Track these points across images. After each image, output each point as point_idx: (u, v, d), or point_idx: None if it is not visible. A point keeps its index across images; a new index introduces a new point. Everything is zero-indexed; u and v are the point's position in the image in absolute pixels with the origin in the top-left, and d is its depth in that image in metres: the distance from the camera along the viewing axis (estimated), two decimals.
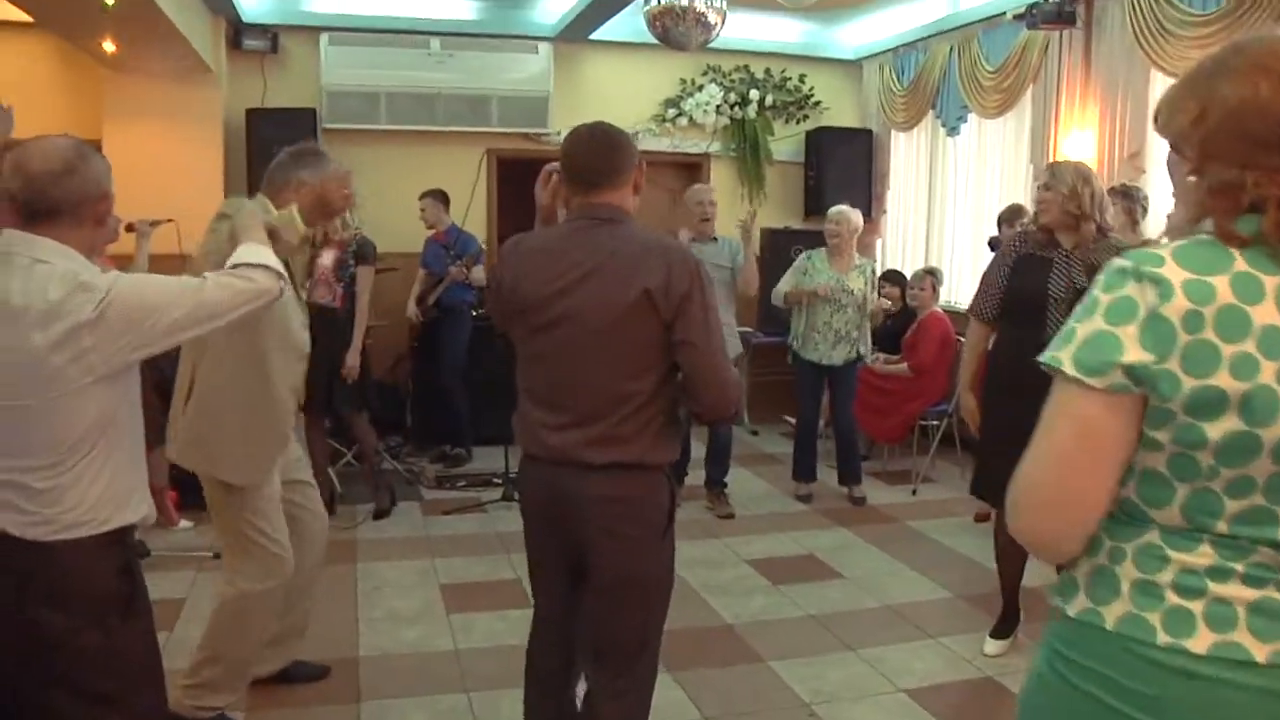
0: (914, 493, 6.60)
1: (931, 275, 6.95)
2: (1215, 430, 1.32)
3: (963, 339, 6.93)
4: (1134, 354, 1.32)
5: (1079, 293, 3.72)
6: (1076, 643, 1.45)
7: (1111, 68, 6.21)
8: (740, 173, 8.79)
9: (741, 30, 7.79)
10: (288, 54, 7.65)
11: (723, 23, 5.64)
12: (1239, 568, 1.36)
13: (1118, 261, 1.37)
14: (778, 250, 8.29)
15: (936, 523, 5.97)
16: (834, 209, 6.35)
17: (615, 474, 2.53)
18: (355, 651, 4.08)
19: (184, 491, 5.45)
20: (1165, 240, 1.47)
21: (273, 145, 7.10)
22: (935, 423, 6.81)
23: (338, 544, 5.22)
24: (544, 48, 7.98)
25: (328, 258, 5.68)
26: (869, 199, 8.68)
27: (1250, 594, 1.35)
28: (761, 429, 8.25)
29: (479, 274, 6.69)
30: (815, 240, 8.39)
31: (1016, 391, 3.91)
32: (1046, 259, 3.91)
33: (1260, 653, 1.34)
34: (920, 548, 5.53)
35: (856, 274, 6.25)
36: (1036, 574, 4.19)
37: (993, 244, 6.49)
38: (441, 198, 7.11)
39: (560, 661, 2.84)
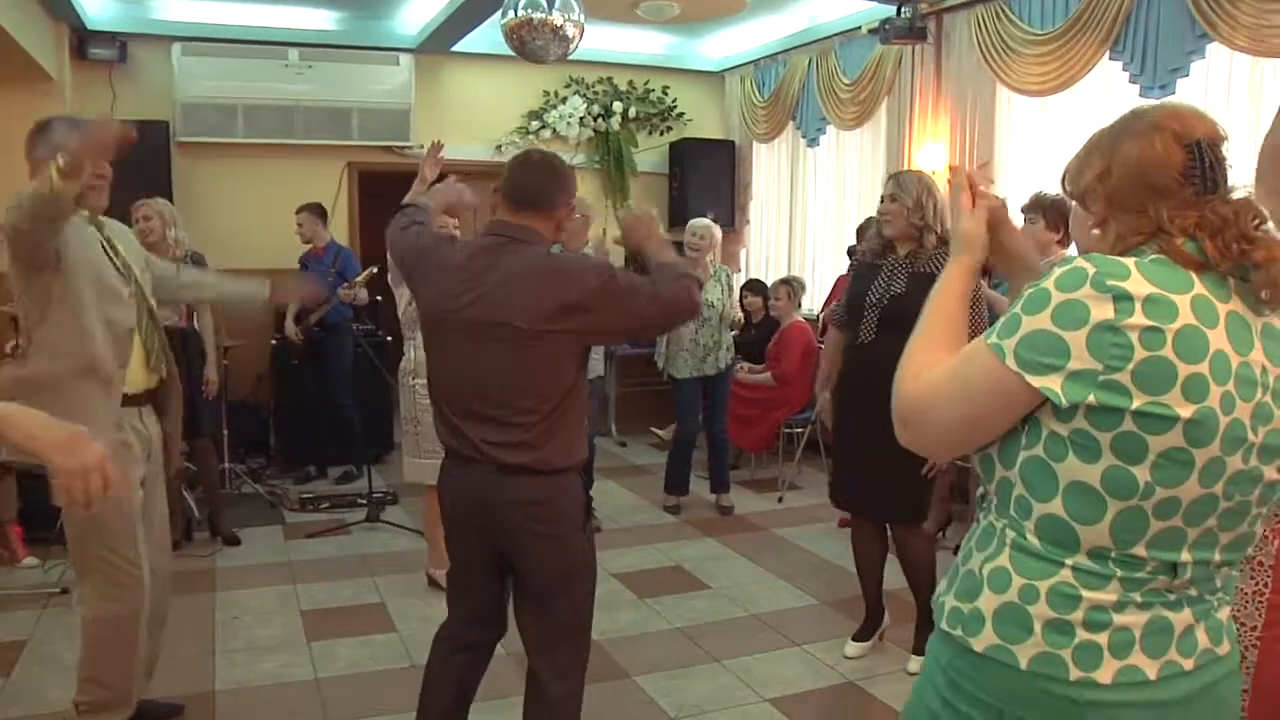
0: (780, 500, 6.71)
1: (788, 285, 7.07)
2: (1158, 446, 1.37)
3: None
4: (1079, 362, 1.38)
5: (896, 299, 3.85)
6: (981, 678, 1.51)
7: (960, 82, 6.44)
8: (605, 184, 8.82)
9: (604, 42, 7.84)
10: (138, 64, 7.39)
11: (580, 36, 5.64)
12: (1137, 597, 1.43)
13: (1080, 263, 1.41)
14: (641, 261, 8.33)
15: (802, 529, 6.08)
16: (698, 222, 6.38)
17: (530, 478, 2.62)
18: (211, 685, 3.93)
19: (30, 526, 5.25)
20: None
21: (122, 162, 7.00)
22: (800, 430, 6.94)
23: (196, 573, 5.11)
24: (405, 59, 7.89)
25: None
26: (732, 209, 8.82)
27: (1144, 617, 1.44)
28: (629, 440, 8.30)
29: (363, 295, 6.59)
30: (680, 250, 8.51)
31: (852, 399, 4.09)
32: (876, 266, 3.99)
33: (1152, 670, 1.43)
34: (787, 555, 5.62)
35: (713, 284, 6.29)
36: (897, 578, 4.29)
37: (852, 253, 6.66)
38: (319, 212, 6.97)
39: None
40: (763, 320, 7.29)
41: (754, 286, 7.58)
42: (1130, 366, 1.35)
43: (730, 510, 6.43)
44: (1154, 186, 1.47)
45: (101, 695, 3.25)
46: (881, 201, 4.04)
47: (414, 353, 4.71)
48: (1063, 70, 5.62)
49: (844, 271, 5.92)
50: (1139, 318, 1.35)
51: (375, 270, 6.27)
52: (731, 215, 8.82)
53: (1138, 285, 1.37)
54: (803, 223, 8.26)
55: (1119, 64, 5.41)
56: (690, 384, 6.30)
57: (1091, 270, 1.39)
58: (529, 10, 5.46)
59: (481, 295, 2.58)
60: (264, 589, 4.97)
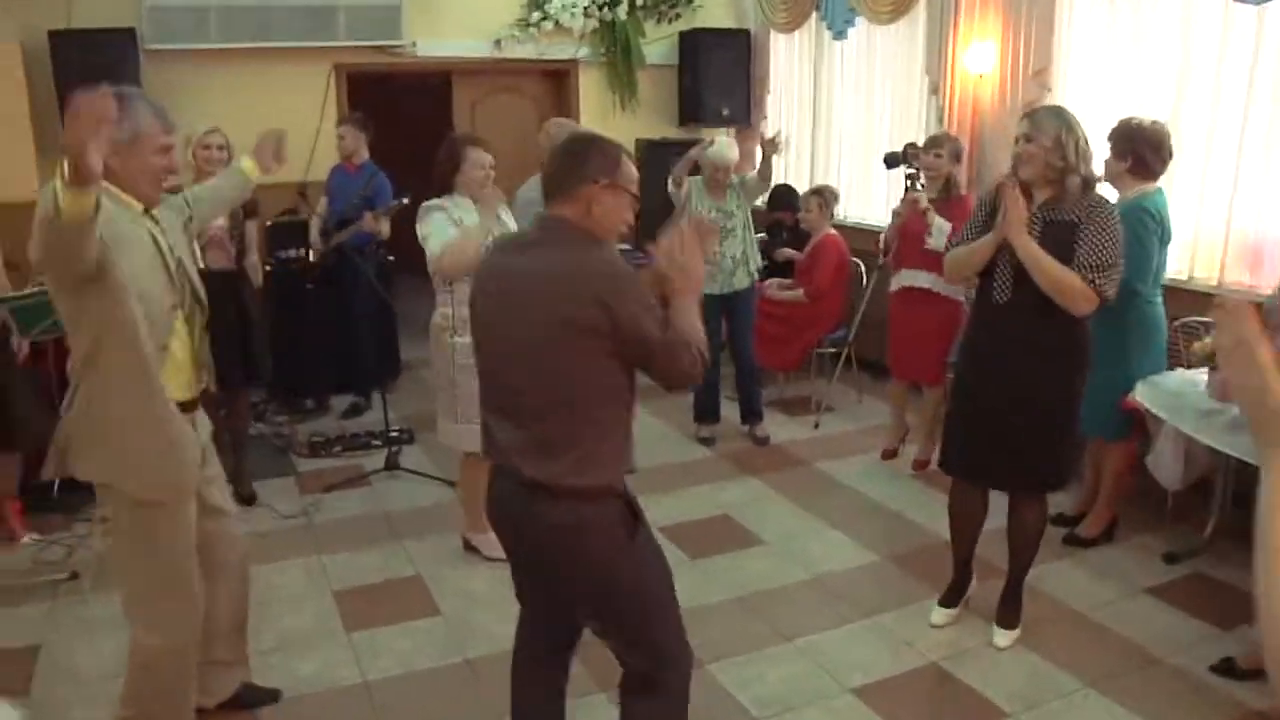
0: (816, 426, 6.38)
1: (820, 195, 6.58)
2: None
3: (859, 261, 6.70)
4: None
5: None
6: None
7: None
8: (611, 79, 8.22)
9: None
10: None
11: None
12: None
13: None
14: (655, 164, 7.77)
15: (844, 464, 5.77)
16: (718, 155, 5.88)
17: (551, 499, 2.42)
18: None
19: (31, 501, 4.84)
20: None
21: (85, 73, 6.35)
22: (833, 350, 6.57)
23: None
24: None
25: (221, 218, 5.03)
26: (748, 103, 8.28)
27: None
28: None
29: (386, 226, 6.07)
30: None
31: (984, 362, 3.70)
32: None
33: None
34: (835, 498, 5.31)
35: (731, 195, 5.90)
36: (988, 540, 4.01)
37: (890, 160, 6.15)
38: (363, 124, 6.46)
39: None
40: (793, 229, 6.82)
41: (782, 198, 7.10)
42: None
43: (766, 441, 6.11)
44: None
45: None
46: (1015, 142, 3.58)
47: (451, 308, 4.26)
48: None
49: (908, 192, 5.43)
50: None
51: (405, 201, 5.75)
52: (747, 110, 8.27)
53: None
54: (827, 123, 7.71)
55: None
56: (712, 301, 5.87)
57: None
58: None
59: (507, 289, 2.48)
60: (288, 563, 4.60)
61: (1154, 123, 4.42)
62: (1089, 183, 3.53)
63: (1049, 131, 3.48)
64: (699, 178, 5.95)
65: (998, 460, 3.71)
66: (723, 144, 5.95)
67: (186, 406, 2.95)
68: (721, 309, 5.97)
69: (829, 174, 7.66)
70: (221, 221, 5.08)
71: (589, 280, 2.35)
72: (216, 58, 6.93)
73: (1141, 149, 4.31)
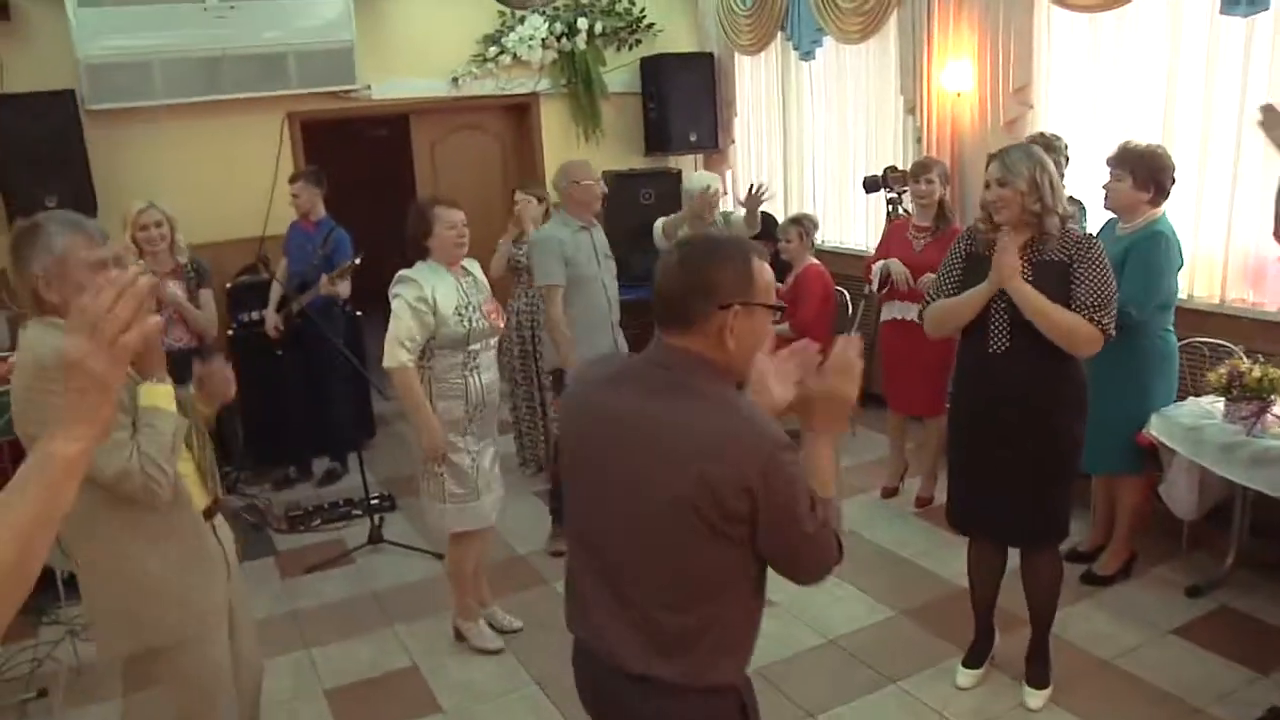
0: None
1: (799, 224, 6.33)
2: None
3: (842, 290, 6.52)
4: None
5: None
6: None
7: None
8: (574, 110, 7.99)
9: None
10: (27, 22, 6.32)
11: None
12: None
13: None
14: (623, 195, 7.62)
15: (845, 506, 5.53)
16: (696, 184, 5.78)
17: (678, 700, 1.99)
18: None
19: None
20: None
21: (24, 140, 6.05)
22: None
23: None
24: None
25: (175, 290, 4.77)
26: (715, 128, 8.07)
27: None
28: None
29: (346, 287, 5.77)
30: (660, 183, 7.81)
31: (981, 414, 3.52)
32: (989, 260, 3.44)
33: None
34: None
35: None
36: (1010, 595, 3.82)
37: (869, 184, 5.99)
38: (316, 179, 6.13)
39: None
40: (771, 261, 6.62)
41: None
42: None
43: None
44: None
45: None
46: (987, 187, 3.44)
47: (429, 381, 3.99)
48: None
49: (891, 218, 5.27)
50: None
51: (358, 261, 5.51)
52: (715, 135, 8.07)
53: None
54: (799, 146, 7.52)
55: None
56: None
57: None
58: None
59: (613, 438, 2.01)
60: (275, 659, 4.31)
61: (1159, 146, 4.28)
62: (1063, 219, 3.41)
63: (1022, 174, 3.35)
64: (680, 217, 5.80)
65: (1005, 514, 3.57)
66: (699, 175, 5.79)
67: (205, 514, 2.76)
68: None
69: (803, 198, 7.48)
70: (177, 292, 4.82)
71: (733, 456, 1.85)
72: (163, 114, 6.63)
73: (1161, 177, 4.17)
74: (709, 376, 1.97)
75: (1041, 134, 4.91)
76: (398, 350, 3.82)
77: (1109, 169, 4.23)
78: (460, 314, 3.89)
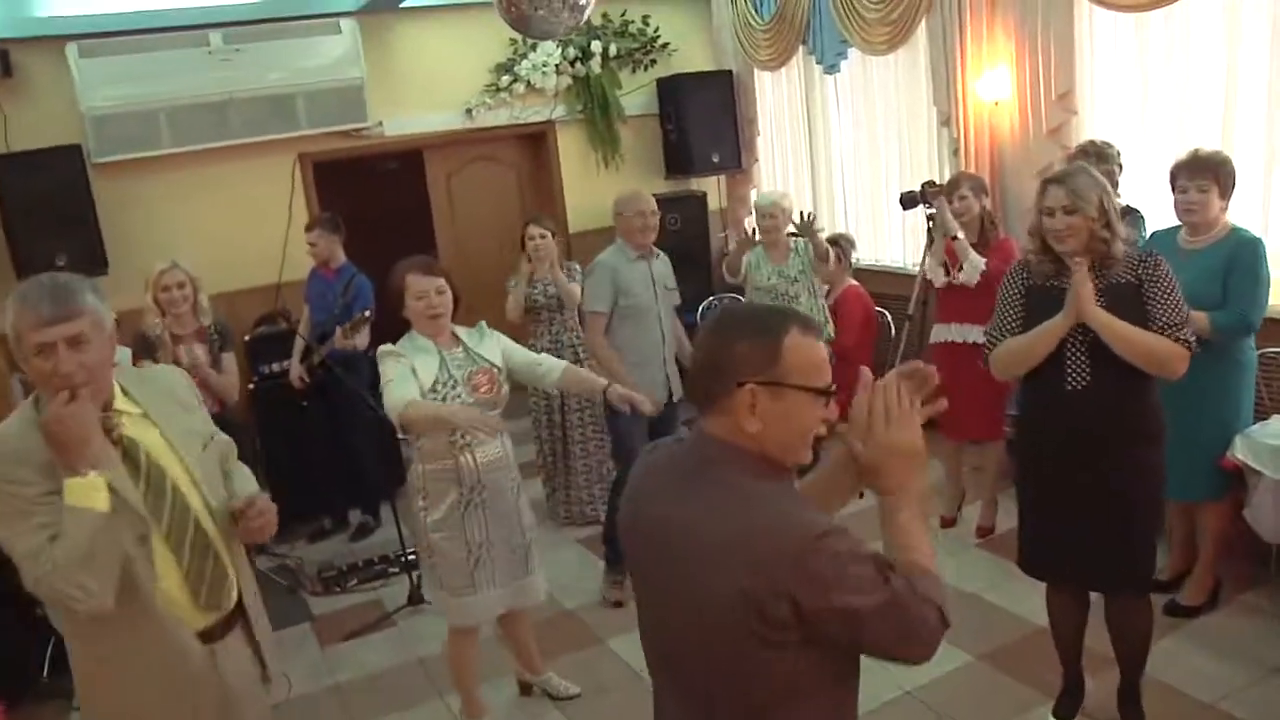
0: (860, 494, 5.89)
1: (837, 245, 6.13)
2: None
3: (883, 310, 6.29)
4: None
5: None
6: None
7: None
8: (591, 136, 7.77)
9: None
10: (29, 76, 6.12)
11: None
12: None
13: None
14: None
15: None
16: (763, 199, 5.61)
17: None
18: None
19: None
20: None
21: (31, 198, 5.85)
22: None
23: None
24: (347, 25, 6.68)
25: (198, 352, 4.55)
26: (738, 147, 7.85)
27: None
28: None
29: (364, 338, 5.52)
30: (685, 207, 7.62)
31: (1060, 455, 3.23)
32: (1055, 290, 3.23)
33: None
34: None
35: (795, 259, 5.57)
36: (1095, 631, 3.57)
37: (906, 200, 5.73)
38: (333, 225, 5.91)
39: None
40: None
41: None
42: None
43: None
44: None
45: None
46: (1049, 215, 3.20)
47: (420, 464, 3.64)
48: None
49: (931, 234, 5.04)
50: None
51: (369, 314, 5.29)
52: (738, 154, 7.84)
53: None
54: (826, 162, 7.29)
55: None
56: None
57: None
58: None
59: (658, 538, 1.78)
60: None
61: (1222, 151, 4.06)
62: (1126, 242, 3.21)
63: (1092, 200, 3.13)
64: (758, 245, 5.65)
65: (1088, 557, 3.31)
66: (766, 193, 5.63)
67: (206, 636, 2.42)
68: None
69: (834, 215, 7.24)
70: (199, 355, 4.58)
71: (760, 561, 1.61)
72: (171, 163, 6.42)
73: (1233, 183, 3.94)
74: (741, 468, 1.72)
75: (1092, 142, 4.66)
76: (395, 403, 3.42)
77: (1185, 180, 3.96)
78: (436, 391, 3.50)
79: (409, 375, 3.48)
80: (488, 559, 3.64)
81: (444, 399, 3.48)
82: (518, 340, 4.06)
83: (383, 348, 3.61)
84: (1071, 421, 3.22)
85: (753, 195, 8.01)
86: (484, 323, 3.85)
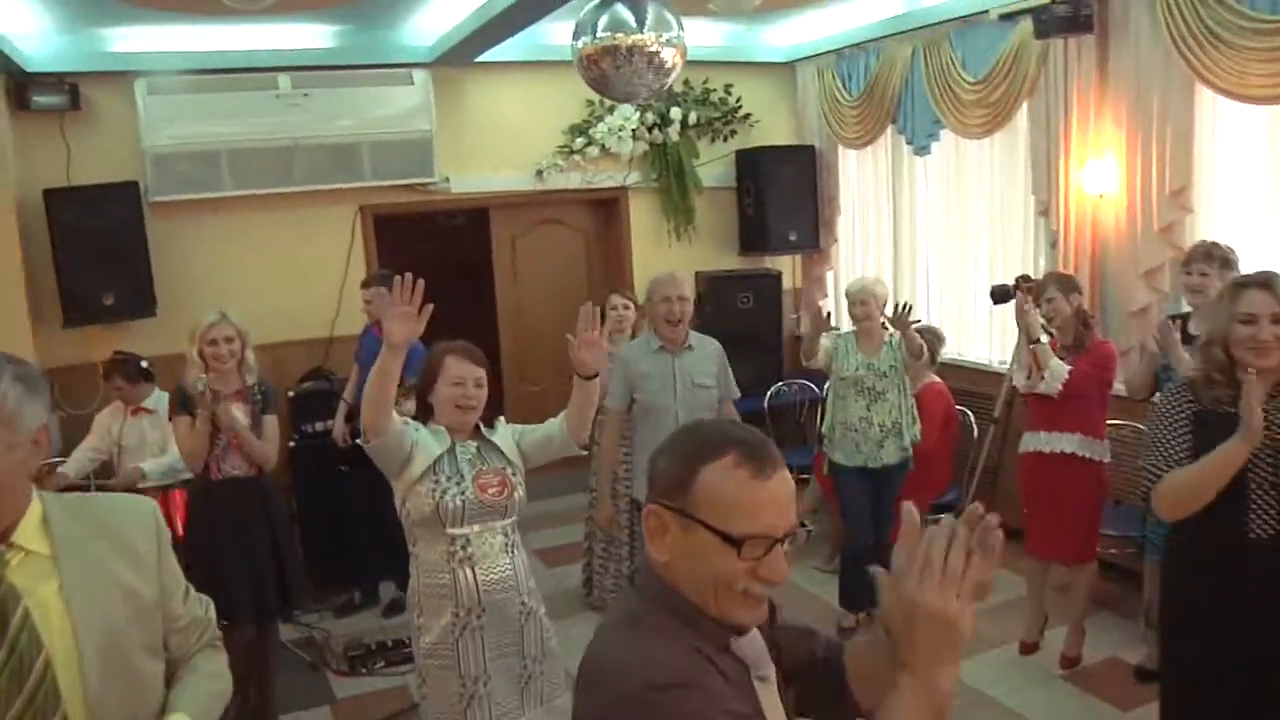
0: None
1: (925, 339, 5.70)
2: None
3: (965, 410, 5.85)
4: None
5: None
6: None
7: (1140, 81, 5.07)
8: (664, 205, 7.46)
9: None
10: (94, 110, 5.96)
11: (683, 61, 4.30)
12: None
13: None
14: (719, 298, 7.09)
15: (981, 665, 4.77)
16: (855, 284, 5.22)
17: None
18: None
19: None
20: None
21: (85, 234, 5.65)
22: (942, 515, 5.63)
23: None
24: (420, 75, 6.47)
25: (238, 414, 4.24)
26: (816, 225, 7.50)
27: None
28: None
29: (410, 406, 5.17)
30: (758, 285, 7.31)
31: (1217, 616, 2.71)
32: (1232, 417, 2.72)
33: None
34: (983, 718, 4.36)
35: (888, 350, 5.12)
36: None
37: (998, 295, 5.32)
38: (390, 283, 5.61)
39: None
40: None
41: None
42: None
43: None
44: None
45: None
46: (1249, 323, 2.75)
47: (416, 576, 3.17)
48: None
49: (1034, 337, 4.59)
50: None
51: (415, 383, 4.97)
52: (816, 233, 7.48)
53: None
54: (910, 247, 6.89)
55: None
56: (855, 476, 5.12)
57: None
58: (613, 32, 4.09)
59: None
60: None
61: None
62: None
63: None
64: (848, 333, 5.24)
65: None
66: (862, 278, 5.26)
67: None
68: (869, 485, 5.15)
69: (915, 299, 6.82)
70: (240, 417, 4.26)
71: (602, 696, 1.43)
72: (229, 207, 6.21)
73: None
74: (662, 597, 1.48)
75: (1216, 244, 4.24)
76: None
77: None
78: (434, 484, 3.06)
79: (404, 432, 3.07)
80: (484, 695, 3.08)
81: (442, 494, 3.04)
82: None
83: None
84: (1255, 577, 2.71)
85: (828, 277, 7.67)
86: (502, 418, 3.37)
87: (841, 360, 5.11)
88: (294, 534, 4.67)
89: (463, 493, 3.05)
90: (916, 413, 5.22)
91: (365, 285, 5.67)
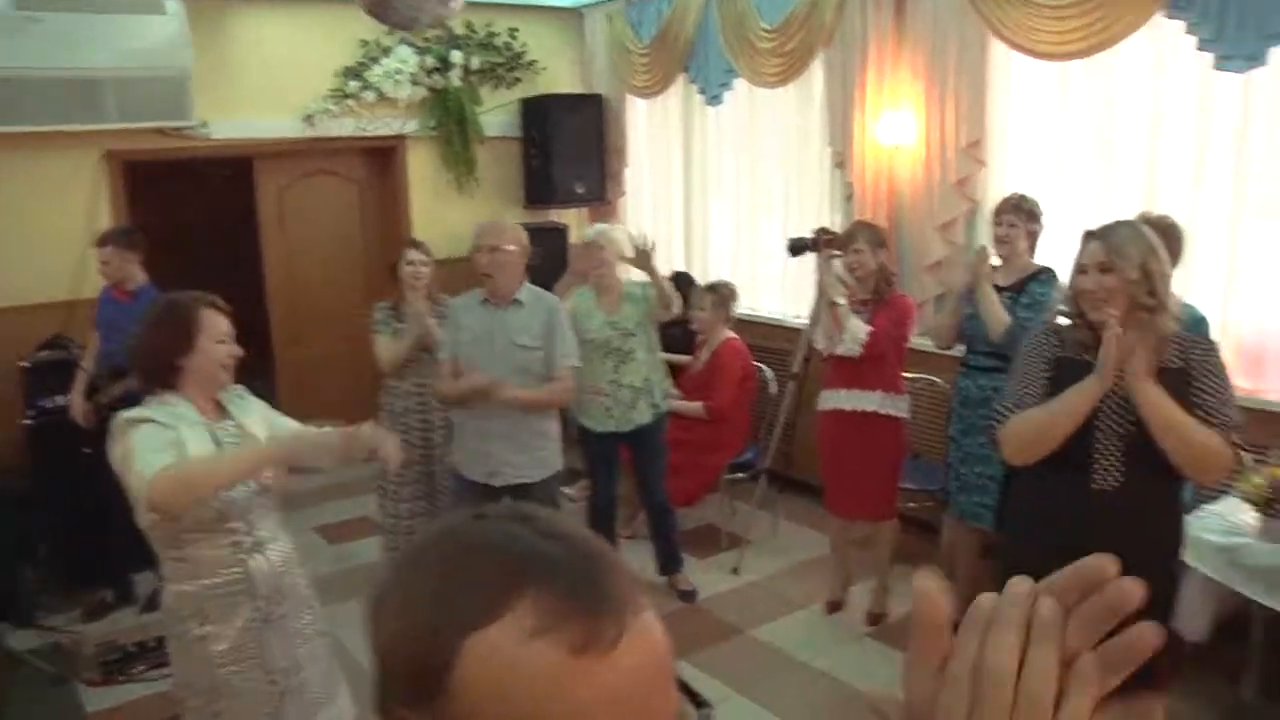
0: (735, 570, 5.34)
1: (715, 293, 5.53)
2: None
3: (762, 366, 5.79)
4: None
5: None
6: None
7: (937, 34, 5.07)
8: (445, 155, 7.04)
9: None
10: None
11: None
12: None
13: None
14: None
15: (786, 627, 4.75)
16: (592, 230, 4.91)
17: None
18: None
19: None
20: None
21: None
22: (740, 475, 5.56)
23: None
24: (174, 6, 5.74)
25: None
26: (603, 177, 7.26)
27: None
28: None
29: (120, 388, 4.57)
30: (545, 240, 7.01)
31: (1052, 563, 2.80)
32: (1087, 366, 2.70)
33: None
34: (789, 680, 4.29)
35: (631, 306, 4.76)
36: None
37: (795, 247, 5.23)
38: (129, 242, 4.92)
39: None
40: (681, 328, 5.71)
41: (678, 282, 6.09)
42: None
43: (693, 596, 5.03)
44: None
45: None
46: (1081, 272, 2.72)
47: (189, 582, 2.68)
48: (1093, 27, 4.32)
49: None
50: None
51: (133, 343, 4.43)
52: (603, 186, 7.25)
53: None
54: (703, 200, 6.76)
55: (1181, 24, 4.15)
56: (606, 442, 4.85)
57: None
58: None
59: None
60: None
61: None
62: (1176, 317, 2.76)
63: (1133, 259, 2.65)
64: (585, 290, 4.85)
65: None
66: (596, 227, 4.96)
67: None
68: (619, 450, 4.91)
69: (707, 259, 6.73)
70: None
71: None
72: None
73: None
74: None
75: (1023, 196, 4.26)
76: (145, 472, 2.46)
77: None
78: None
79: (170, 448, 2.53)
80: (296, 689, 2.77)
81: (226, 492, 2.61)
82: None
83: (124, 415, 2.62)
84: (1096, 526, 2.60)
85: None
86: (244, 388, 2.90)
87: (584, 321, 4.66)
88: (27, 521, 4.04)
89: (245, 483, 2.65)
90: (664, 373, 5.06)
91: (101, 244, 4.94)
